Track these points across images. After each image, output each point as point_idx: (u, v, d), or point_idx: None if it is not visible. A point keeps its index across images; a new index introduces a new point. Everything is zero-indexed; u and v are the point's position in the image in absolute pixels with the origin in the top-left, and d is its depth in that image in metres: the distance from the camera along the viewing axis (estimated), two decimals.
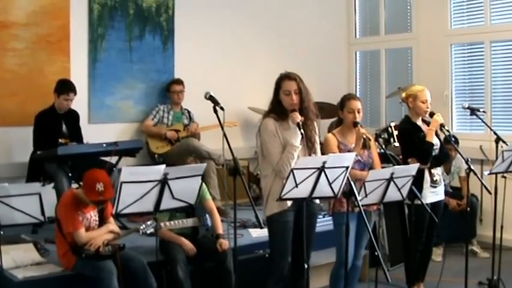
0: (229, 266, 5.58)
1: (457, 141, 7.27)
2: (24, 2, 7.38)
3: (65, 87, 7.07)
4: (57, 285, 5.37)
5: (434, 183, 6.03)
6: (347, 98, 5.59)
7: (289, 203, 5.04)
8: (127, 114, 8.27)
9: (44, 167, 6.82)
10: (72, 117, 7.28)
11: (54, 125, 7.03)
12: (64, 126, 7.13)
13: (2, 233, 4.62)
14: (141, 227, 5.17)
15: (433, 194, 6.03)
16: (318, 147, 5.28)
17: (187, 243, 5.70)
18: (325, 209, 6.80)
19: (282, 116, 5.14)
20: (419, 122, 6.12)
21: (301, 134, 4.97)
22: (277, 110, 5.17)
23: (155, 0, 8.42)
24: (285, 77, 5.18)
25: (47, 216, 4.84)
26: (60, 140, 6.93)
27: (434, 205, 5.98)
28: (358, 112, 5.49)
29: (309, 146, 5.17)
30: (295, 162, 4.86)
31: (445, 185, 7.09)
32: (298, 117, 5.00)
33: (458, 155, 7.19)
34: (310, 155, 5.14)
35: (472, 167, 5.84)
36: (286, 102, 5.13)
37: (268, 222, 5.17)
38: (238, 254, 5.09)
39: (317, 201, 5.28)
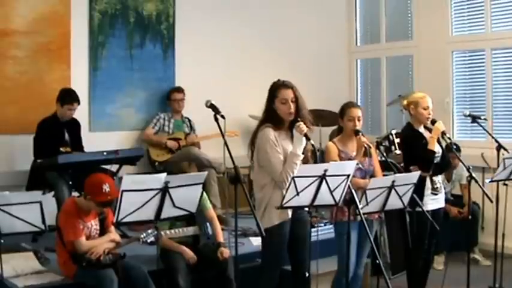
0: (230, 274, 5.56)
1: (458, 149, 7.26)
2: (24, 10, 7.39)
3: (69, 97, 7.07)
4: None
5: (435, 190, 6.02)
6: (347, 106, 5.59)
7: (290, 213, 5.01)
8: (127, 123, 8.27)
9: (44, 176, 6.81)
10: (74, 125, 7.29)
11: (57, 133, 7.04)
12: (66, 135, 7.13)
13: (2, 241, 4.61)
14: (142, 236, 5.15)
15: (433, 201, 6.02)
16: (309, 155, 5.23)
17: (188, 252, 5.69)
18: (327, 218, 6.79)
19: (279, 125, 5.09)
20: (421, 129, 6.11)
21: (312, 145, 4.94)
22: (273, 119, 5.10)
23: (156, 8, 8.43)
24: (281, 86, 5.11)
25: (48, 225, 4.82)
26: (61, 149, 6.93)
27: (435, 212, 5.97)
28: (359, 120, 5.49)
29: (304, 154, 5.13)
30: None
31: (445, 193, 7.09)
32: (305, 128, 4.94)
33: (460, 163, 7.18)
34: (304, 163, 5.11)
35: (473, 174, 5.83)
36: (282, 111, 5.07)
37: (267, 234, 4.83)
38: (239, 262, 5.06)
39: (305, 208, 5.23)
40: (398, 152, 7.49)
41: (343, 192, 4.82)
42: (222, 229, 6.07)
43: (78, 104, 7.13)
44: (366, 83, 10.34)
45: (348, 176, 4.77)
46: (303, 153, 5.03)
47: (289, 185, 4.60)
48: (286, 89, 5.08)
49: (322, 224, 7.01)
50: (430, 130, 6.09)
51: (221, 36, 8.92)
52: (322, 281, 6.18)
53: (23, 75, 7.42)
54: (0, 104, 7.26)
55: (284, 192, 4.85)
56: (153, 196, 4.43)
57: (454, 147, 6.63)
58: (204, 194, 5.56)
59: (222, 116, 4.93)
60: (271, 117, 5.12)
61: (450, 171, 7.76)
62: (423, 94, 6.16)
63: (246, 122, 8.73)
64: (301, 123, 4.97)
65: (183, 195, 4.55)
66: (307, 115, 5.13)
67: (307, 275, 5.18)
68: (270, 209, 5.00)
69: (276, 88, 5.12)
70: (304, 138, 4.95)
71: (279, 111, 5.09)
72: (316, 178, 4.63)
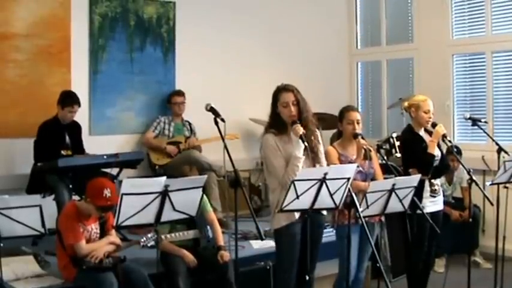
0: (231, 277, 5.55)
1: (459, 152, 7.25)
2: (25, 13, 7.39)
3: (69, 99, 7.08)
4: None
5: (433, 192, 6.02)
6: (346, 110, 5.60)
7: (297, 215, 5.00)
8: (128, 126, 8.27)
9: (44, 179, 6.80)
10: (75, 128, 7.29)
11: (58, 136, 7.04)
12: (67, 138, 7.12)
13: (2, 245, 4.59)
14: (142, 240, 5.15)
15: (432, 204, 6.01)
16: (322, 156, 5.23)
17: (188, 255, 5.68)
18: (328, 220, 6.79)
19: (282, 130, 5.12)
20: (421, 132, 6.11)
21: (305, 146, 4.94)
22: (277, 123, 5.14)
23: (156, 12, 8.43)
24: (281, 89, 5.15)
25: (48, 228, 4.81)
26: (62, 152, 6.93)
27: (434, 215, 5.95)
28: (358, 123, 5.49)
29: (311, 156, 5.11)
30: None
31: (447, 196, 7.11)
32: (301, 130, 4.96)
33: (460, 165, 7.18)
34: (314, 165, 5.10)
35: (474, 177, 5.83)
36: (284, 115, 5.09)
37: (276, 235, 5.12)
38: (240, 265, 5.05)
39: (324, 212, 5.24)
40: (398, 155, 7.49)
41: (343, 195, 4.82)
42: (223, 232, 6.07)
43: (79, 106, 7.13)
44: (367, 85, 10.34)
45: (348, 179, 4.77)
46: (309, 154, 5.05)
47: (289, 188, 4.60)
48: (287, 92, 5.11)
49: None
50: (430, 133, 6.08)
51: (221, 39, 8.92)
52: (324, 283, 6.18)
53: (23, 79, 7.42)
54: (1, 107, 7.25)
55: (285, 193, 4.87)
56: (153, 199, 4.43)
57: (455, 150, 6.62)
58: (205, 197, 5.57)
59: (222, 120, 4.93)
60: (275, 122, 5.17)
61: (451, 174, 7.75)
62: (424, 97, 6.15)
63: (247, 125, 8.74)
64: (298, 125, 4.99)
65: (183, 199, 4.55)
66: (310, 118, 5.17)
67: (307, 278, 5.17)
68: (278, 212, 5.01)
69: (278, 92, 5.17)
70: (299, 140, 4.96)
71: (282, 115, 5.12)
72: (316, 181, 4.63)
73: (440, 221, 6.10)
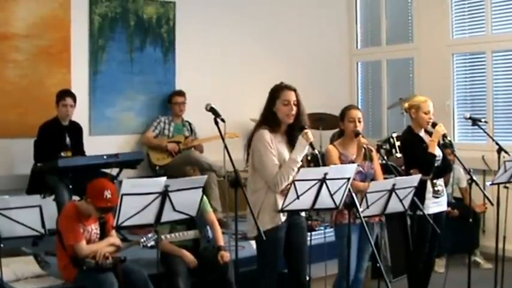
0: (231, 278, 5.56)
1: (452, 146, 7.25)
2: (25, 14, 7.40)
3: (62, 93, 7.10)
4: None
5: (436, 193, 6.01)
6: (347, 109, 5.61)
7: (282, 218, 4.96)
8: (128, 126, 8.27)
9: (45, 179, 6.80)
10: (76, 129, 7.29)
11: (58, 137, 7.04)
12: (67, 139, 7.12)
13: (2, 245, 4.60)
14: (142, 240, 5.15)
15: (435, 205, 6.01)
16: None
17: (188, 256, 5.68)
18: (327, 221, 6.78)
19: (275, 128, 5.05)
20: (421, 133, 6.11)
21: (316, 154, 4.90)
22: (270, 121, 5.06)
23: (156, 12, 8.43)
24: (284, 87, 5.09)
25: (48, 229, 4.81)
26: (62, 153, 6.92)
27: (437, 216, 5.95)
28: (359, 121, 5.48)
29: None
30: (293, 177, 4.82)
31: (447, 195, 7.08)
32: (312, 137, 4.91)
33: (457, 167, 7.18)
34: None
35: (474, 177, 5.83)
36: (282, 113, 5.02)
37: (260, 238, 4.80)
38: (240, 266, 5.03)
39: (303, 213, 5.20)
40: (399, 155, 7.48)
41: (343, 195, 4.81)
42: (223, 232, 6.07)
43: (74, 100, 7.13)
44: (367, 85, 10.34)
45: (348, 179, 4.76)
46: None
47: (290, 188, 4.59)
48: (290, 91, 5.06)
49: (322, 227, 6.99)
50: (430, 134, 6.08)
51: (221, 39, 8.92)
52: (323, 284, 6.17)
53: (23, 79, 7.42)
54: (1, 107, 7.25)
55: (277, 196, 4.84)
56: (153, 200, 4.43)
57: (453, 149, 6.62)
58: (205, 197, 5.57)
59: (222, 120, 4.90)
60: (268, 119, 5.08)
61: (449, 173, 7.74)
62: (425, 98, 6.15)
63: (247, 125, 8.68)
64: (309, 131, 4.93)
65: (183, 199, 4.55)
66: (306, 121, 5.12)
67: (307, 278, 5.16)
68: (263, 214, 4.95)
69: (279, 89, 5.10)
70: (308, 146, 4.92)
71: (278, 113, 5.05)
72: (316, 182, 4.62)
73: (443, 223, 6.10)
